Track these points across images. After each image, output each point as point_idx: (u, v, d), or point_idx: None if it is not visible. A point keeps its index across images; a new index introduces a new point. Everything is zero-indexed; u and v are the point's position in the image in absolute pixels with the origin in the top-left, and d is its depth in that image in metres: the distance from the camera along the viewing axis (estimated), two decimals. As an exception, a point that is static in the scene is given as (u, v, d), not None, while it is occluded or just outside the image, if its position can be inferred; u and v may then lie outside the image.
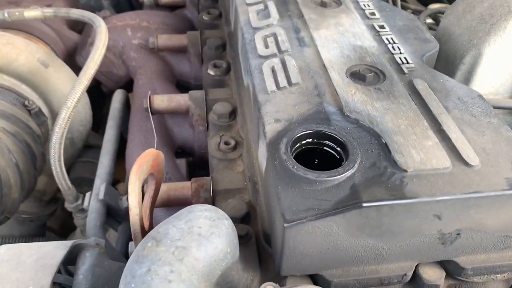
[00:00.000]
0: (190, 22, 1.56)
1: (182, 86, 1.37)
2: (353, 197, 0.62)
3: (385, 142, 0.69)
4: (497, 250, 0.71)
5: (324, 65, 0.85)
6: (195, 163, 1.18)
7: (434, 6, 1.32)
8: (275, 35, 0.95)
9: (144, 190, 0.79)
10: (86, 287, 0.71)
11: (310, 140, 0.71)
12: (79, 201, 1.11)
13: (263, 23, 1.00)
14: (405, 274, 0.71)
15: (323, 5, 1.04)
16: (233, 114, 1.04)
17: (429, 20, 1.36)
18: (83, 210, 1.10)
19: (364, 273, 0.70)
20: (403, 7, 1.52)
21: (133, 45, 1.39)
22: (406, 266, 0.71)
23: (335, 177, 0.63)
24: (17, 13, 1.16)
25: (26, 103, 1.13)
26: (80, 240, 0.76)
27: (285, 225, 0.61)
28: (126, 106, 1.33)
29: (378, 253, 0.68)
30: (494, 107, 0.99)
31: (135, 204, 0.68)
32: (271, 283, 0.63)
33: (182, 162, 1.09)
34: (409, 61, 0.87)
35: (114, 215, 1.05)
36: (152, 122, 1.05)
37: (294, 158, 0.68)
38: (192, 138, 1.14)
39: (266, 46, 0.93)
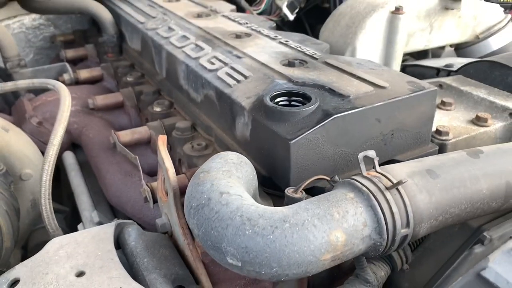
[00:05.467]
0: (110, 91, 1.75)
1: (124, 136, 1.54)
2: (326, 115, 0.91)
3: (329, 88, 1.01)
4: (416, 146, 1.05)
5: (263, 63, 1.16)
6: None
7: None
8: (215, 57, 1.24)
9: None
10: (140, 248, 0.84)
11: (282, 98, 0.99)
12: (66, 241, 1.18)
13: (201, 54, 1.28)
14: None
15: (239, 37, 1.37)
16: (193, 127, 1.27)
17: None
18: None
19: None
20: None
21: (71, 112, 1.53)
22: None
23: (310, 107, 0.92)
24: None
25: (-6, 165, 1.20)
26: (120, 220, 0.89)
27: (290, 142, 0.86)
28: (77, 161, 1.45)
29: (348, 159, 0.96)
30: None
31: (170, 165, 0.87)
32: (292, 187, 0.86)
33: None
34: (316, 53, 1.23)
35: (110, 236, 1.15)
36: (125, 148, 1.21)
37: (273, 110, 0.95)
38: (157, 163, 1.31)
39: (213, 64, 1.21)
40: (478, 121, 1.17)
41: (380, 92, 0.99)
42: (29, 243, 1.43)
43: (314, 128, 0.88)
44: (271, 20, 2.09)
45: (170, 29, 1.51)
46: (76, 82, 1.76)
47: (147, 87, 1.54)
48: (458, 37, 1.60)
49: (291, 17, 2.06)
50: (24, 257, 1.43)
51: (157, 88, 1.52)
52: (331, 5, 2.27)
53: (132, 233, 0.87)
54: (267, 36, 1.39)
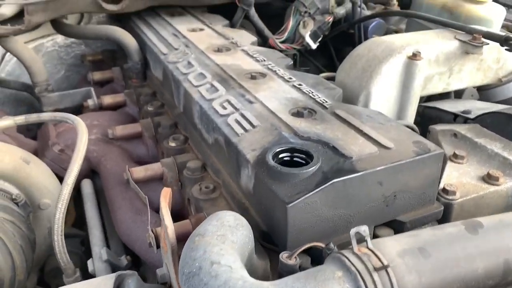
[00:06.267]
0: (132, 117, 1.81)
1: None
2: (326, 178, 0.91)
3: (333, 145, 1.01)
4: (420, 206, 1.04)
5: (272, 111, 1.18)
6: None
7: (323, 74, 1.76)
8: (228, 101, 1.26)
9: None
10: (138, 303, 0.87)
11: (285, 154, 1.00)
12: (77, 274, 1.23)
13: (214, 96, 1.31)
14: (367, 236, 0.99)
15: (253, 78, 1.39)
16: (203, 168, 1.30)
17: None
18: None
19: (341, 239, 0.97)
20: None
21: (91, 140, 1.60)
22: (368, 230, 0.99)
23: (311, 169, 0.93)
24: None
25: (14, 197, 1.26)
26: (121, 271, 0.93)
27: (288, 206, 0.88)
28: (94, 190, 1.50)
29: (348, 221, 0.96)
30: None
31: (169, 223, 0.90)
32: (287, 252, 0.87)
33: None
34: (327, 101, 1.23)
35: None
36: (137, 186, 1.26)
37: (277, 166, 0.97)
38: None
39: (224, 108, 1.23)
40: (489, 179, 1.14)
41: (383, 154, 0.99)
42: (46, 267, 1.49)
43: (313, 192, 0.89)
44: (294, 48, 2.11)
45: (189, 64, 1.55)
46: (100, 108, 1.83)
47: (165, 119, 1.58)
48: (480, 80, 1.56)
49: (313, 46, 2.06)
50: (40, 279, 1.50)
51: (174, 121, 1.55)
52: (356, 31, 2.26)
53: (132, 285, 0.90)
54: (282, 77, 1.40)
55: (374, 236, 1.01)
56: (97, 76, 2.06)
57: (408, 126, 1.42)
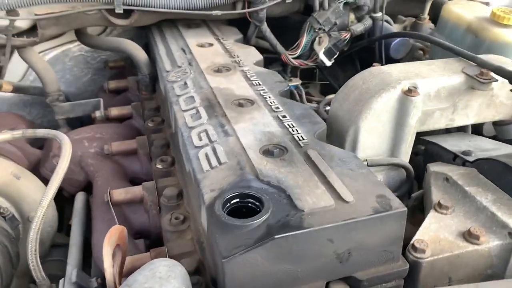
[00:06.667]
0: (137, 130, 1.84)
1: (135, 182, 1.61)
2: (268, 233, 0.88)
3: (289, 194, 0.97)
4: (381, 263, 0.98)
5: (243, 148, 1.15)
6: (152, 243, 1.39)
7: (330, 97, 1.70)
8: (206, 131, 1.25)
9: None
10: None
11: (237, 199, 0.97)
12: (53, 290, 1.27)
13: (196, 123, 1.30)
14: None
15: (240, 105, 1.36)
16: (180, 195, 1.30)
17: (328, 108, 1.74)
18: (58, 297, 1.25)
19: (289, 293, 0.93)
20: (308, 100, 1.94)
21: (90, 153, 1.64)
22: (318, 285, 0.95)
23: (255, 221, 0.89)
24: (-10, 138, 1.40)
25: (1, 210, 1.33)
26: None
27: (223, 260, 0.85)
28: (86, 206, 1.54)
29: (295, 276, 0.92)
30: (376, 165, 1.32)
31: (109, 265, 0.90)
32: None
33: (140, 242, 1.30)
34: (304, 138, 1.18)
35: (86, 295, 1.22)
36: (113, 211, 1.27)
37: (228, 213, 0.94)
38: (148, 222, 1.36)
39: (200, 139, 1.22)
40: (469, 236, 1.06)
41: (339, 208, 0.93)
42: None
43: (252, 247, 0.86)
44: (308, 65, 2.05)
45: (185, 85, 1.54)
46: (107, 119, 1.87)
47: (159, 138, 1.59)
48: (491, 116, 1.43)
49: (328, 63, 1.99)
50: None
51: (167, 141, 1.56)
52: (376, 48, 2.16)
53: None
54: (270, 105, 1.36)
55: (327, 292, 0.96)
56: (113, 85, 2.12)
57: (400, 165, 1.34)
